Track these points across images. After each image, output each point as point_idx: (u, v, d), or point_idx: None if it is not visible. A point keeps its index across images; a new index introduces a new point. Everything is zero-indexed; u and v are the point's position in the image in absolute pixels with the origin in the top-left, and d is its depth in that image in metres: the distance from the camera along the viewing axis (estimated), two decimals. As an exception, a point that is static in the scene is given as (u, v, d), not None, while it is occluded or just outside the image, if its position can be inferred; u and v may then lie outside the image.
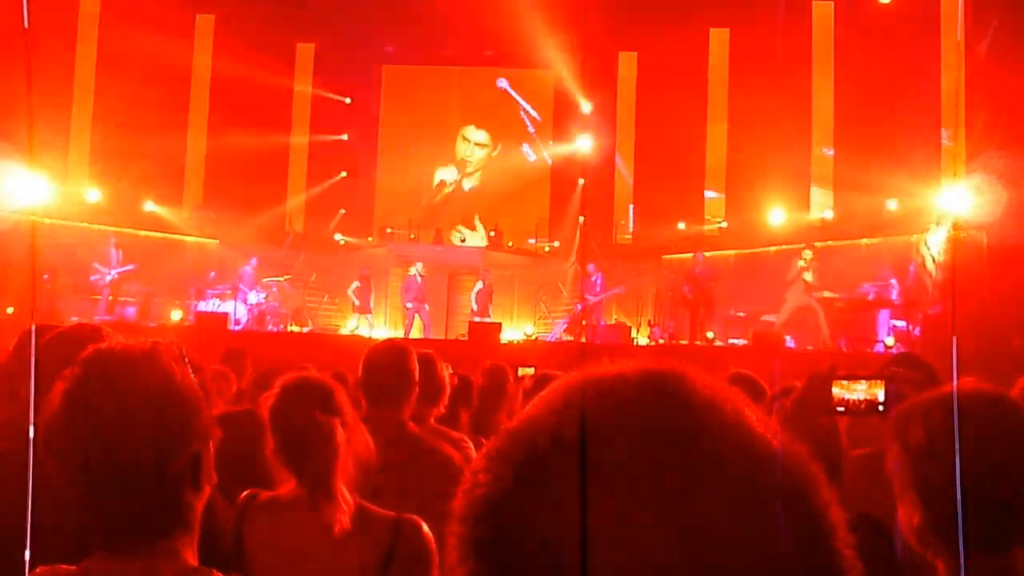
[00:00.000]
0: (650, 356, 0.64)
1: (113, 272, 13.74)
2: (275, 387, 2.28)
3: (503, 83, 18.79)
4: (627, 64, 17.92)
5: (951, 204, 11.61)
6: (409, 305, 14.96)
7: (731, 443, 0.58)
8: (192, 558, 1.32)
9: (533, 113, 18.73)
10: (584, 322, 14.43)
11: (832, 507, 0.59)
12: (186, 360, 1.34)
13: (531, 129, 18.72)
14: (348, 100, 18.14)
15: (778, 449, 0.59)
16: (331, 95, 17.93)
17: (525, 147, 18.72)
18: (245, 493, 2.26)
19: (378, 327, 15.53)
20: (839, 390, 1.92)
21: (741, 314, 13.84)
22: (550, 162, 18.63)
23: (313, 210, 17.78)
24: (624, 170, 17.74)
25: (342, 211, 17.10)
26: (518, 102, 18.77)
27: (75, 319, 9.63)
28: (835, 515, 0.59)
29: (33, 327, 2.09)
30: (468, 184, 18.94)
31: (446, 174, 18.90)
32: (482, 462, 0.62)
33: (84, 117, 15.61)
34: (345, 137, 18.09)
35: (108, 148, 14.76)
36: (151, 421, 1.26)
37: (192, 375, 1.34)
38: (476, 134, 18.92)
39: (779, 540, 0.55)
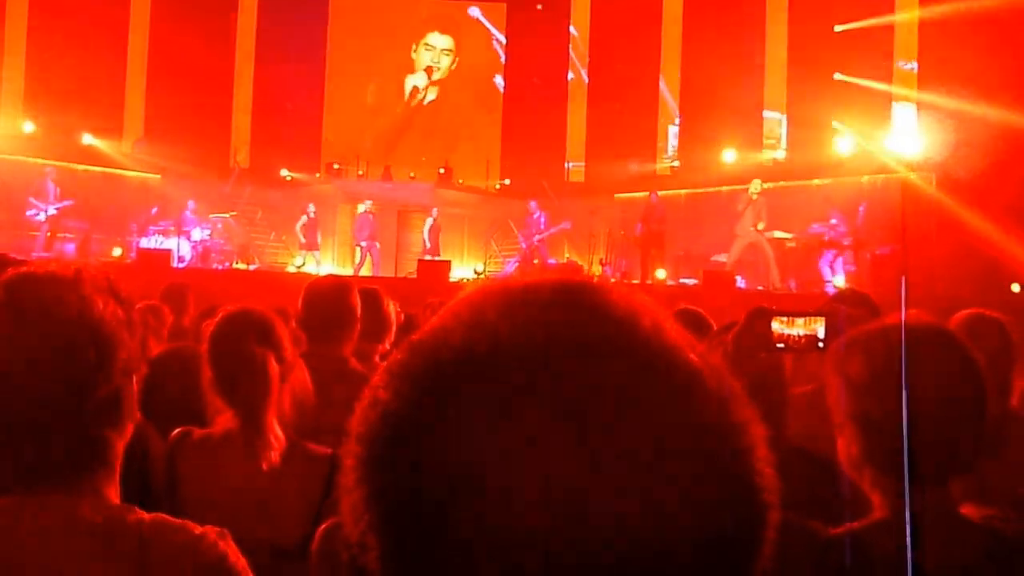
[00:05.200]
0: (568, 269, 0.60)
1: (51, 208, 13.35)
2: (215, 316, 2.27)
3: (475, 11, 18.43)
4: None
5: (901, 145, 11.75)
6: (363, 243, 14.82)
7: (646, 357, 0.54)
8: (114, 495, 1.26)
9: (502, 39, 18.43)
10: (536, 261, 14.44)
11: (752, 424, 0.55)
12: (112, 290, 1.27)
13: (503, 58, 18.42)
14: None
15: (697, 364, 0.55)
16: None
17: (498, 78, 18.43)
18: (177, 431, 2.23)
19: (326, 264, 15.38)
20: (779, 326, 1.91)
21: None
22: (501, 93, 18.41)
23: (259, 144, 17.39)
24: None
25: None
26: (490, 32, 18.43)
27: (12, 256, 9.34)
28: (755, 432, 0.55)
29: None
30: (429, 95, 18.61)
31: (417, 80, 18.53)
32: (382, 377, 0.57)
33: (17, 44, 14.98)
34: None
35: (43, 77, 14.21)
36: (68, 351, 1.19)
37: (119, 306, 1.27)
38: (441, 39, 18.52)
39: (694, 457, 0.52)
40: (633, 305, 0.57)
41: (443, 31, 18.55)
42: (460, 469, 0.52)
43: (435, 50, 18.53)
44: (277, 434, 2.11)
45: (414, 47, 18.49)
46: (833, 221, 12.08)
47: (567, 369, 0.53)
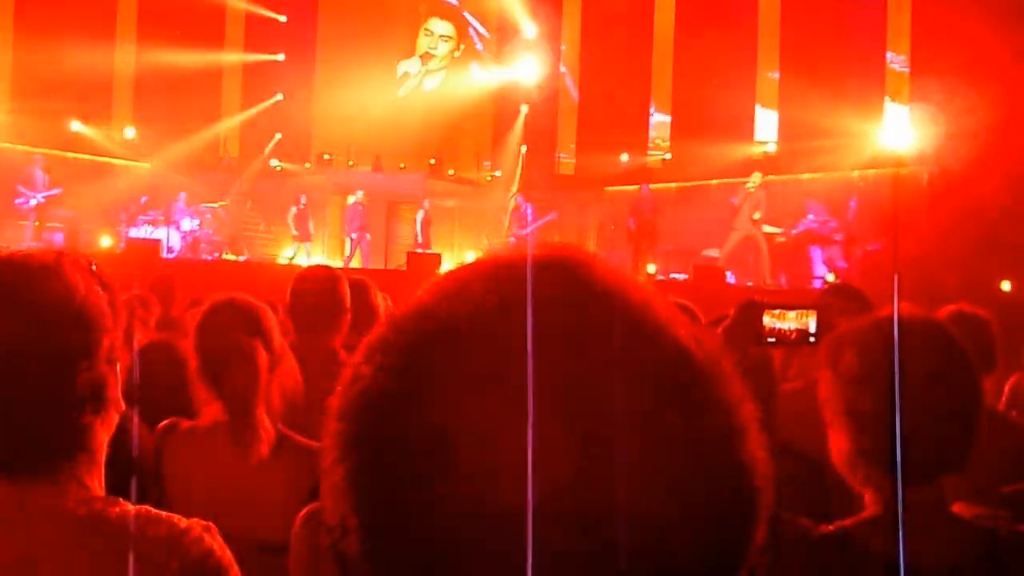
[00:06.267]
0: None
1: (39, 196, 13.23)
2: (203, 306, 2.25)
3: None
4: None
5: (893, 139, 11.76)
6: (353, 235, 14.76)
7: (635, 330, 0.53)
8: (97, 486, 1.25)
9: (483, 31, 18.35)
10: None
11: (744, 404, 0.54)
12: (95, 276, 1.25)
13: (479, 47, 18.35)
14: (283, 18, 17.46)
15: (686, 341, 0.54)
16: (266, 11, 17.24)
17: (473, 66, 18.38)
18: (164, 422, 2.20)
19: (316, 256, 15.32)
20: (770, 320, 1.90)
21: None
22: (483, 83, 18.35)
23: (248, 134, 17.29)
24: (572, 91, 17.50)
25: (278, 135, 16.51)
26: (467, 20, 18.36)
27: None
28: (748, 412, 0.54)
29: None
30: (430, 83, 18.49)
31: (410, 66, 18.44)
32: (363, 353, 0.56)
33: (5, 32, 14.86)
34: (281, 57, 17.48)
35: (31, 64, 14.09)
36: (49, 337, 1.17)
37: (103, 293, 1.25)
38: (441, 26, 18.43)
39: (686, 435, 0.51)
40: (622, 280, 0.56)
41: (443, 17, 18.48)
42: (444, 444, 0.50)
43: (433, 36, 18.44)
44: (266, 426, 2.08)
45: (422, 32, 18.42)
46: (824, 217, 12.09)
47: (554, 341, 0.51)
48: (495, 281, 0.55)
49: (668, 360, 0.53)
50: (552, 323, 0.52)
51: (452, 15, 18.45)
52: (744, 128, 15.02)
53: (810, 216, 12.00)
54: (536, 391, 0.50)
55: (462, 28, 18.50)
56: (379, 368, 0.54)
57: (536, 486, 0.49)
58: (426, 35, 18.39)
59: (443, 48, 18.43)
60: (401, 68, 18.40)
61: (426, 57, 18.39)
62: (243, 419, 2.07)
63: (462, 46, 18.43)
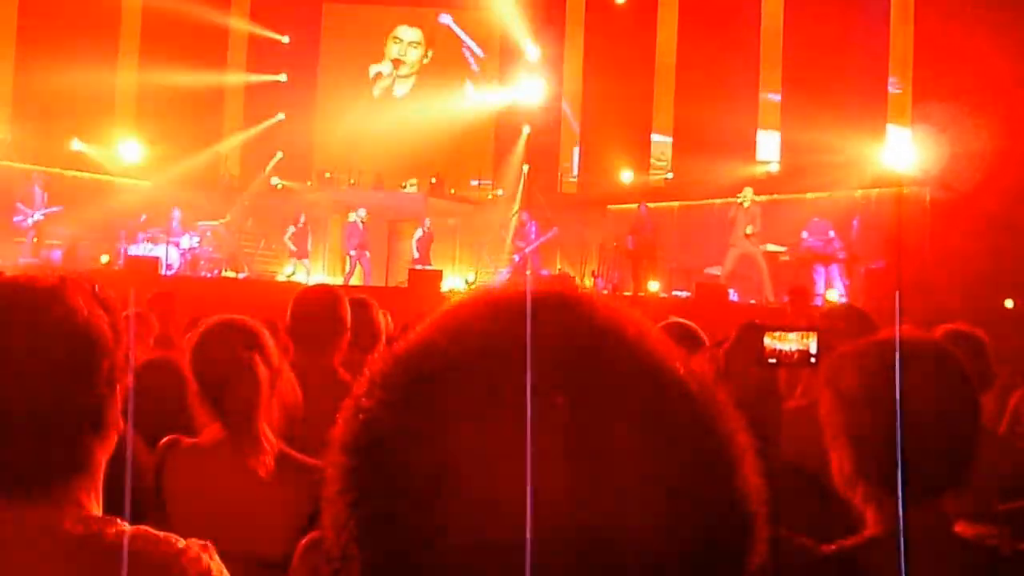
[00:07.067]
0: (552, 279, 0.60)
1: (38, 214, 13.24)
2: (198, 327, 2.24)
3: (446, 18, 18.42)
4: (575, 8, 17.70)
5: (895, 159, 11.79)
6: (352, 253, 14.77)
7: (631, 365, 0.55)
8: (95, 506, 1.24)
9: (477, 51, 18.42)
10: (528, 272, 14.42)
11: (738, 435, 0.56)
12: (98, 298, 1.25)
13: (475, 68, 18.42)
14: (286, 39, 17.58)
15: (681, 373, 0.55)
16: (268, 32, 17.38)
17: (468, 85, 18.44)
18: (165, 440, 2.20)
19: (316, 274, 15.30)
20: (771, 341, 1.90)
21: None
22: (484, 102, 18.39)
23: (249, 153, 17.33)
24: (571, 119, 17.58)
25: (279, 154, 16.59)
26: (461, 39, 18.42)
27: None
28: (741, 442, 0.56)
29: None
30: (400, 89, 18.49)
31: (382, 67, 18.48)
32: (365, 386, 0.57)
33: (7, 50, 14.93)
34: (283, 78, 17.56)
35: (32, 83, 14.16)
36: (51, 359, 1.17)
37: (105, 315, 1.25)
38: (409, 32, 18.50)
39: (678, 465, 0.52)
40: (618, 315, 0.58)
41: (411, 24, 18.51)
42: (445, 476, 0.51)
43: (402, 43, 18.49)
44: (270, 439, 2.08)
45: (390, 39, 18.50)
46: (830, 234, 12.10)
47: (552, 378, 0.53)
48: (494, 317, 0.57)
49: (664, 392, 0.54)
50: (550, 359, 0.53)
51: (420, 21, 18.50)
52: (746, 148, 15.06)
53: (830, 234, 12.00)
54: (535, 426, 0.51)
55: (431, 34, 18.54)
56: (381, 403, 0.55)
57: (535, 519, 0.50)
58: (395, 42, 18.46)
59: (413, 55, 18.49)
60: (373, 69, 18.43)
61: (396, 63, 18.46)
62: (246, 433, 2.07)
63: (430, 52, 18.45)
